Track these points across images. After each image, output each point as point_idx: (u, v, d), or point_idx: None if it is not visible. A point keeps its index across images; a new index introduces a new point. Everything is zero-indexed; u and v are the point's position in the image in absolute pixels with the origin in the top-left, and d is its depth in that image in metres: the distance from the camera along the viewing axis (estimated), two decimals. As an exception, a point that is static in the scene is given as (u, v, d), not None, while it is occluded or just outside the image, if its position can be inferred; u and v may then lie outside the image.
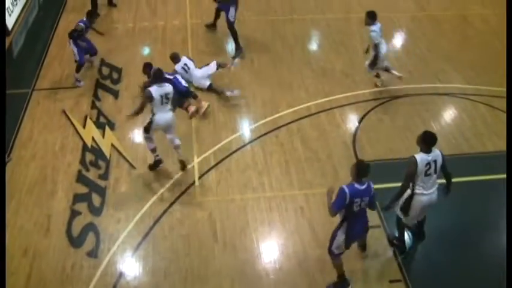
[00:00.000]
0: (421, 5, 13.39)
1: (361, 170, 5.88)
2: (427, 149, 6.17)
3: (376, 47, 9.54)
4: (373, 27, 9.45)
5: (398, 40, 12.16)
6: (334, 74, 10.61)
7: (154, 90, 7.61)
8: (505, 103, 8.96)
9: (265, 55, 11.11)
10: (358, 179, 5.88)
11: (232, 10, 10.81)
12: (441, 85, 10.31)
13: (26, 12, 13.00)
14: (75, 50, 10.05)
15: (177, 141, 8.06)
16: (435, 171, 6.25)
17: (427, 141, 6.15)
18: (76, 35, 9.97)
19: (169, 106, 7.83)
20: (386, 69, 9.99)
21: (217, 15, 11.54)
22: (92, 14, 10.36)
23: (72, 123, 9.29)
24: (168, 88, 7.74)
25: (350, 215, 5.98)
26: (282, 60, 11.00)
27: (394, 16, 12.90)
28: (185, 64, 10.03)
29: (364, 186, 5.89)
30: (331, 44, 11.63)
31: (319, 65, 10.87)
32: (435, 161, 6.18)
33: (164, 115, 7.77)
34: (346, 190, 5.81)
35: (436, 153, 6.19)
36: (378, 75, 10.18)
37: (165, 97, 7.67)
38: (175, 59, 10.05)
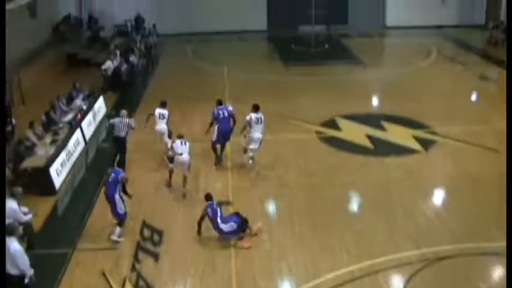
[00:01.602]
0: (459, 164, 13.96)
1: None
2: None
3: (250, 127, 13.24)
4: (251, 114, 13.26)
5: (438, 198, 12.58)
6: (376, 235, 10.88)
7: (156, 110, 14.36)
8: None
9: (306, 219, 11.56)
10: None
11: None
12: (487, 244, 10.37)
13: (73, 172, 14.08)
14: (121, 202, 10.75)
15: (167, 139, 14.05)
16: None
17: None
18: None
19: (164, 121, 14.30)
20: (245, 151, 13.54)
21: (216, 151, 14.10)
22: (121, 165, 11.56)
23: (111, 286, 9.56)
24: (164, 112, 14.37)
25: None
26: (323, 223, 11.40)
27: (432, 175, 13.45)
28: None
29: None
30: (371, 205, 12.08)
31: (361, 227, 11.21)
32: None
33: (159, 126, 14.27)
34: None
35: None
36: (245, 151, 13.53)
37: (161, 115, 14.30)
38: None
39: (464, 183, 12.93)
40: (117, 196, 10.77)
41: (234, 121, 13.90)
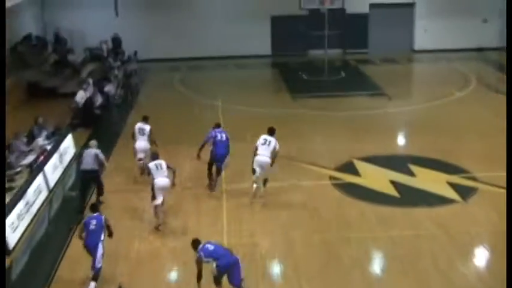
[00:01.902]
0: (504, 216, 13.89)
1: None
2: None
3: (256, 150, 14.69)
4: (261, 137, 14.88)
5: (479, 258, 12.66)
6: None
7: (137, 125, 16.21)
8: None
9: (318, 283, 11.61)
10: None
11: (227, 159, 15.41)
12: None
13: (33, 227, 14.14)
14: (101, 253, 11.26)
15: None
16: None
17: None
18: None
19: (145, 137, 15.99)
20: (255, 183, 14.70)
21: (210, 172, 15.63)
22: (96, 207, 12.21)
23: None
24: (144, 126, 16.16)
25: None
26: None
27: (472, 231, 13.53)
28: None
29: None
30: (397, 267, 12.12)
31: (385, 293, 11.24)
32: None
33: (139, 143, 15.86)
34: None
35: None
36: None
37: (141, 130, 16.04)
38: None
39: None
40: (100, 246, 11.31)
41: (228, 148, 15.55)
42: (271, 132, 15.00)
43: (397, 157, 18.19)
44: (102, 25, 30.64)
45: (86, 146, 15.77)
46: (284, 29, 33.00)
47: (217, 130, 15.66)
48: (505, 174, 16.06)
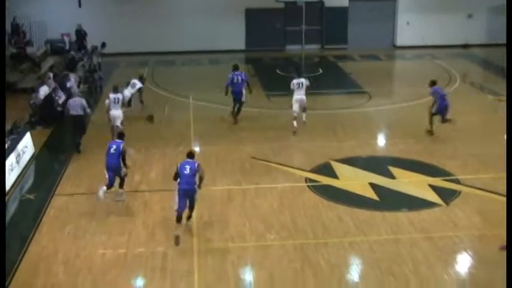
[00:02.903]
0: (489, 220, 14.27)
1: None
2: None
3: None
4: (293, 80, 20.32)
5: (463, 265, 12.77)
6: (383, 313, 11.09)
7: (111, 95, 19.22)
8: None
9: (295, 292, 11.74)
10: None
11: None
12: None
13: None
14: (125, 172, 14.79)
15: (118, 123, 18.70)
16: None
17: None
18: None
19: (119, 105, 19.04)
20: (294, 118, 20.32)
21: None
22: (122, 134, 15.25)
23: None
24: (119, 95, 19.14)
25: None
26: (317, 297, 11.60)
27: (454, 236, 13.71)
28: None
29: None
30: (377, 274, 12.28)
31: (363, 302, 11.42)
32: None
33: (115, 111, 18.94)
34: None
35: None
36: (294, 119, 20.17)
37: (117, 100, 18.91)
38: None
39: (495, 246, 13.10)
40: (122, 166, 14.53)
41: (249, 86, 21.26)
42: (300, 73, 21.52)
43: (376, 159, 18.47)
44: (65, 16, 30.58)
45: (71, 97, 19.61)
46: (259, 22, 33.24)
47: (235, 73, 20.82)
48: (488, 176, 16.47)
